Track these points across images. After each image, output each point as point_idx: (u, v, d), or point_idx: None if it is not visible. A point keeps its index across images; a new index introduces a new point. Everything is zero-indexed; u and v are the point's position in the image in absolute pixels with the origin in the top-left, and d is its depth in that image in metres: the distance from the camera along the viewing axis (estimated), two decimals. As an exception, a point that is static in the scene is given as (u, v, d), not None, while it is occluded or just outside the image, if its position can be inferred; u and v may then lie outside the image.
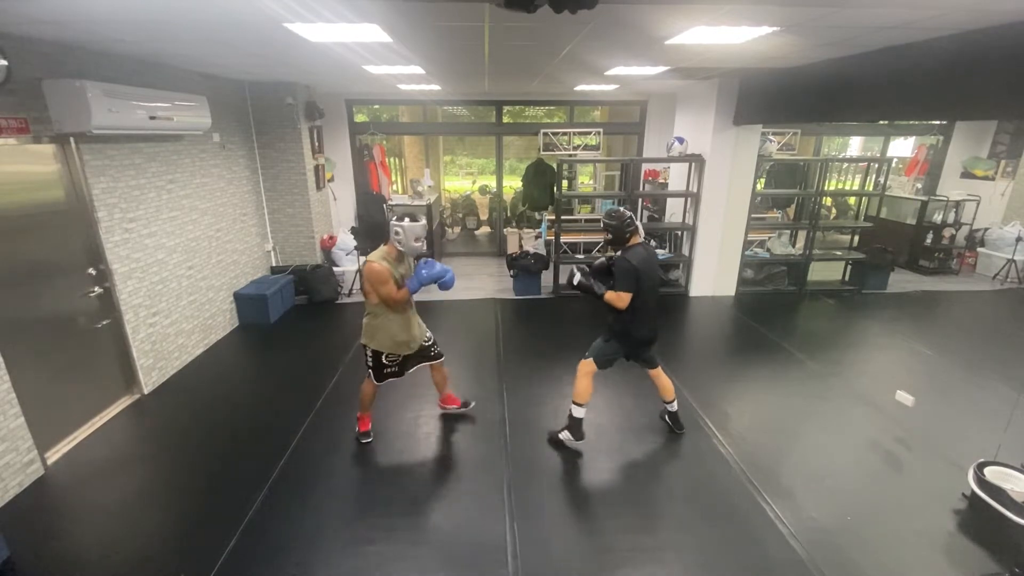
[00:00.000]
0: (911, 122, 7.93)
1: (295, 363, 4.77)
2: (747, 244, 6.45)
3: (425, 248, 3.13)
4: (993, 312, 6.19)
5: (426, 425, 3.70)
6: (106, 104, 3.30)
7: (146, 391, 4.14)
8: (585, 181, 10.64)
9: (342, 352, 4.89)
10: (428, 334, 3.45)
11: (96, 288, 3.71)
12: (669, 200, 7.30)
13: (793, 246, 7.13)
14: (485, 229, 10.38)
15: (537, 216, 8.72)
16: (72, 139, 3.42)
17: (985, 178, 7.76)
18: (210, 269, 5.06)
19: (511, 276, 6.58)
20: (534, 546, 2.63)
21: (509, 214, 9.37)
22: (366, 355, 3.28)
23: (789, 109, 4.86)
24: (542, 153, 7.66)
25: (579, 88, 6.65)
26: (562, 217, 6.71)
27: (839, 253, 6.94)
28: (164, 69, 4.33)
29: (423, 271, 3.04)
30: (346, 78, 5.56)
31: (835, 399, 4.07)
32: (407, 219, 3.01)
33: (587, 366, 3.32)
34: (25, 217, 3.21)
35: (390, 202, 7.85)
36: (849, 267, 6.86)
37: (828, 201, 9.36)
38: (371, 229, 7.16)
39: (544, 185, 7.79)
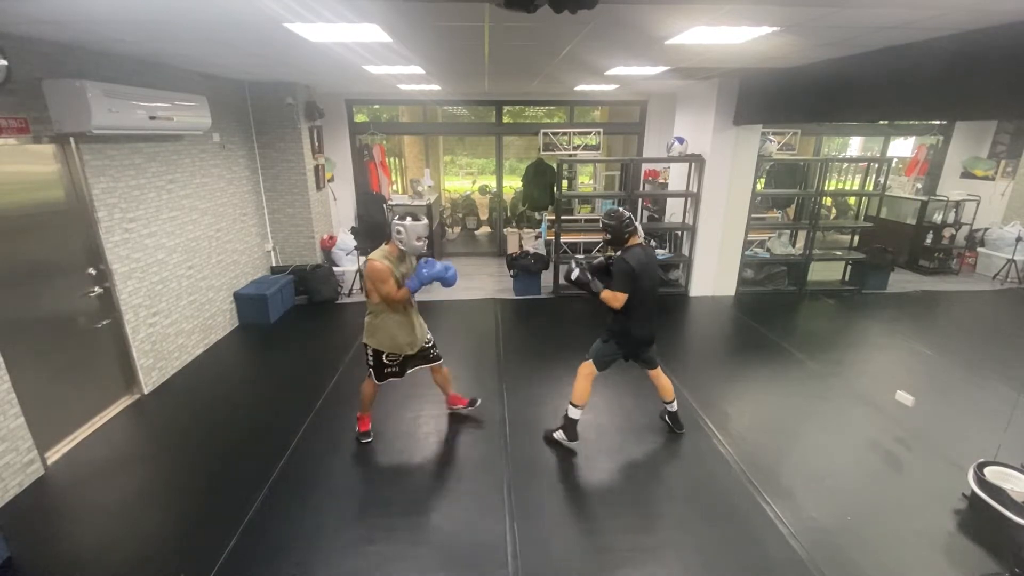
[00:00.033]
0: (911, 122, 7.93)
1: (295, 363, 4.78)
2: (747, 244, 6.45)
3: (426, 248, 3.13)
4: (993, 312, 6.19)
5: (426, 425, 3.70)
6: (106, 104, 3.30)
7: (146, 391, 4.14)
8: (585, 181, 10.64)
9: (342, 352, 4.89)
10: (428, 336, 3.45)
11: (96, 288, 3.71)
12: (669, 200, 7.30)
13: (793, 246, 7.13)
14: (485, 229, 10.38)
15: (537, 216, 8.71)
16: (72, 139, 3.42)
17: (985, 178, 7.76)
18: (210, 269, 5.06)
19: (511, 276, 6.58)
20: (534, 546, 2.63)
21: (509, 214, 9.37)
22: (367, 354, 3.28)
23: (789, 109, 4.86)
24: (542, 153, 7.66)
25: (579, 88, 6.65)
26: (562, 217, 6.71)
27: (839, 253, 6.94)
28: (164, 69, 4.33)
29: (423, 270, 3.04)
30: (346, 78, 5.56)
31: (835, 399, 4.07)
32: (409, 218, 3.01)
33: (587, 368, 3.32)
34: (25, 217, 3.21)
35: (390, 202, 7.85)
36: (849, 267, 6.86)
37: (828, 201, 9.36)
38: (371, 229, 7.16)
39: (544, 185, 7.79)
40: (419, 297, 3.28)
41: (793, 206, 8.31)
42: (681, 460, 3.36)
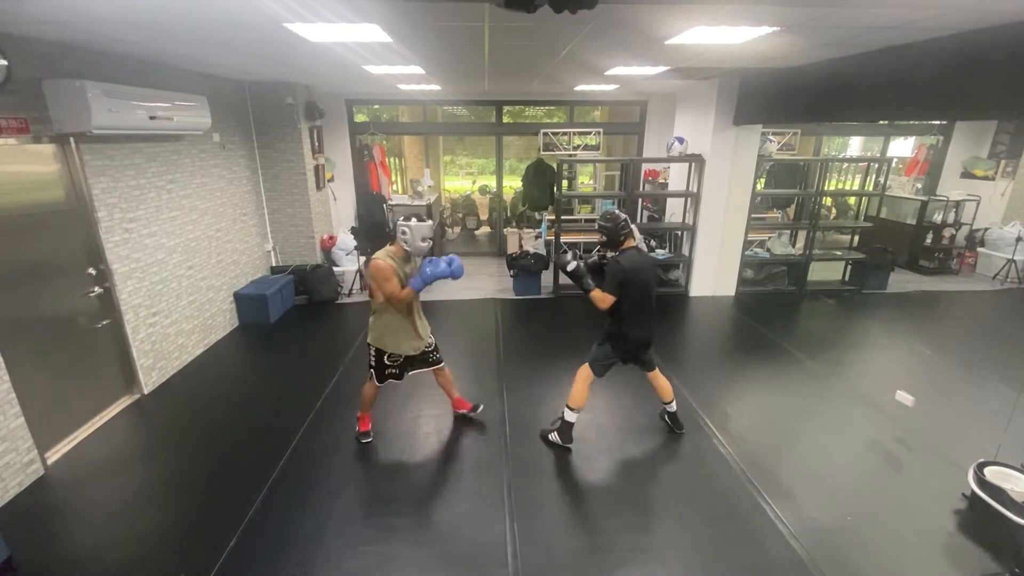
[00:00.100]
0: (911, 122, 7.93)
1: (295, 363, 4.78)
2: (747, 244, 6.45)
3: (430, 248, 3.12)
4: (993, 312, 6.19)
5: (426, 425, 3.70)
6: (106, 104, 3.30)
7: (146, 391, 4.14)
8: (585, 181, 10.63)
9: (342, 352, 4.89)
10: (431, 339, 3.44)
11: (96, 288, 3.71)
12: (669, 200, 7.30)
13: (793, 246, 7.12)
14: (485, 229, 10.38)
15: (537, 216, 8.71)
16: (72, 139, 3.42)
17: (985, 178, 7.76)
18: (210, 269, 5.07)
19: (511, 276, 6.58)
20: (534, 546, 2.63)
21: (509, 214, 9.37)
22: (369, 354, 3.28)
23: (789, 109, 4.86)
24: (542, 153, 7.65)
25: (579, 88, 6.65)
26: (562, 217, 6.71)
27: (839, 253, 6.94)
28: (164, 69, 4.33)
29: (427, 269, 3.01)
30: (346, 78, 5.56)
31: (835, 399, 4.07)
32: (414, 219, 3.02)
33: (584, 372, 3.33)
34: (25, 217, 3.21)
35: (390, 202, 7.85)
36: (849, 267, 6.86)
37: (828, 201, 9.36)
38: (371, 229, 7.15)
39: (544, 185, 7.78)
40: (420, 297, 3.27)
41: (793, 206, 8.31)
42: (681, 460, 3.36)
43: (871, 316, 5.94)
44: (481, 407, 3.79)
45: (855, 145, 11.10)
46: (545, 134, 7.55)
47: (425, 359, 3.41)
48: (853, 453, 3.41)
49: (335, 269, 6.58)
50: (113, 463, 3.33)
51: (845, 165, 9.74)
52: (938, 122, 7.78)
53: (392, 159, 9.46)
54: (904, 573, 2.50)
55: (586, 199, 8.99)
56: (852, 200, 8.86)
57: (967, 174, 7.96)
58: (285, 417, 3.79)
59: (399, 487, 3.10)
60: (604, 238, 3.22)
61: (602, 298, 3.13)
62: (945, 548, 2.65)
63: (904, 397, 3.75)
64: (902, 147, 9.67)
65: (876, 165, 7.82)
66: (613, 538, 2.70)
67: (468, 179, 13.91)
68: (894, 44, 3.42)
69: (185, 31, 3.03)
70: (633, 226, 3.22)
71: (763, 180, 7.10)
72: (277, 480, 3.12)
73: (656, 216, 7.66)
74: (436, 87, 6.34)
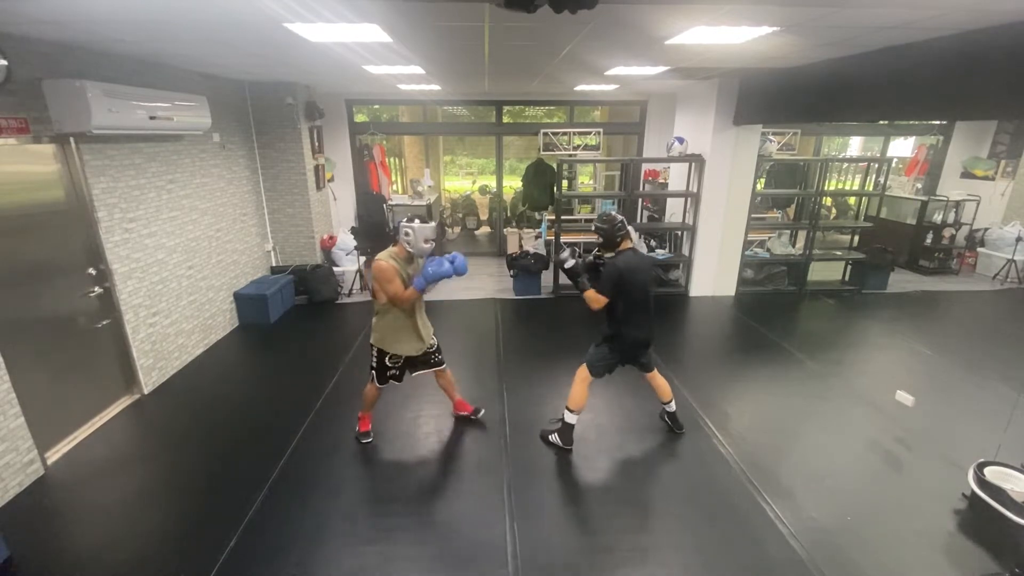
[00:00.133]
0: (911, 122, 7.93)
1: (295, 363, 4.78)
2: (747, 244, 6.45)
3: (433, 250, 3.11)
4: (993, 312, 6.19)
5: (426, 425, 3.70)
6: (106, 104, 3.30)
7: (146, 391, 4.14)
8: (585, 181, 10.63)
9: (342, 352, 4.89)
10: (433, 340, 3.43)
11: (96, 288, 3.71)
12: (669, 200, 7.30)
13: (793, 246, 7.13)
14: (485, 229, 10.37)
15: (537, 216, 8.71)
16: (72, 139, 3.42)
17: (985, 178, 7.76)
18: (210, 269, 5.07)
19: (511, 276, 6.58)
20: (534, 546, 2.63)
21: (509, 214, 9.37)
22: (371, 354, 3.28)
23: (789, 109, 4.86)
24: (542, 153, 7.65)
25: (579, 88, 6.65)
26: (562, 217, 6.71)
27: (839, 253, 6.94)
28: (164, 69, 4.33)
29: (428, 268, 2.99)
30: (346, 78, 5.56)
31: (835, 399, 4.07)
32: (417, 220, 3.01)
33: (582, 373, 3.33)
34: (25, 217, 3.21)
35: (390, 202, 7.85)
36: (849, 267, 6.86)
37: (828, 201, 9.36)
38: (371, 229, 7.16)
39: (544, 185, 7.78)
40: (424, 297, 3.26)
41: (793, 206, 8.31)
42: (681, 460, 3.36)
43: (871, 316, 5.94)
44: (483, 412, 3.77)
45: (855, 145, 11.10)
46: (545, 134, 7.55)
47: (427, 360, 3.40)
48: (853, 453, 3.41)
49: (335, 269, 6.58)
50: (113, 463, 3.33)
51: (845, 165, 9.74)
52: (938, 122, 7.78)
53: (392, 159, 9.46)
54: (904, 573, 2.50)
55: (586, 199, 8.99)
56: (852, 200, 8.86)
57: (967, 174, 7.96)
58: (285, 417, 3.79)
59: (399, 487, 3.10)
60: (601, 239, 3.22)
61: (595, 298, 3.13)
62: (945, 548, 2.65)
63: (904, 397, 3.75)
64: (902, 147, 9.67)
65: (876, 165, 7.82)
66: (613, 538, 2.70)
67: (468, 179, 13.91)
68: (894, 44, 3.42)
69: (185, 31, 3.03)
70: (630, 227, 3.22)
71: (763, 180, 7.10)
72: (277, 480, 3.12)
73: (656, 216, 7.66)
74: (436, 87, 6.34)
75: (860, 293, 6.66)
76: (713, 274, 6.49)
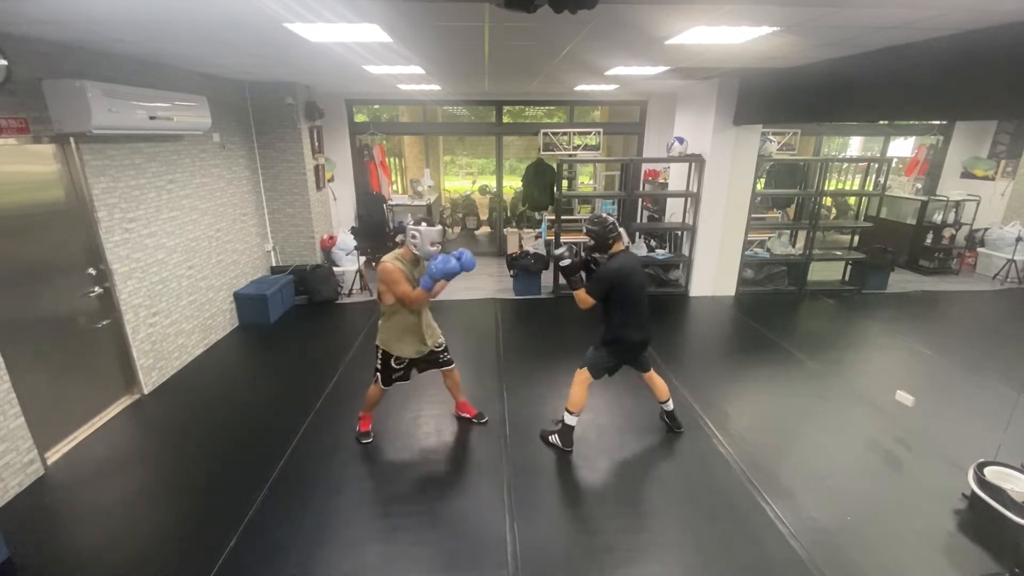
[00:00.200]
0: (911, 122, 7.93)
1: (295, 363, 4.78)
2: (747, 244, 6.45)
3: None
4: (993, 312, 6.19)
5: (426, 425, 3.70)
6: (106, 104, 3.30)
7: (146, 391, 4.14)
8: (585, 181, 10.64)
9: (342, 352, 4.89)
10: (441, 340, 3.43)
11: (96, 288, 3.71)
12: (669, 200, 7.30)
13: (793, 246, 7.12)
14: (485, 229, 10.37)
15: (537, 216, 8.72)
16: (72, 139, 3.42)
17: (985, 178, 7.76)
18: (210, 269, 5.06)
19: (511, 276, 6.58)
20: (534, 546, 2.63)
21: (509, 214, 9.37)
22: (377, 356, 3.28)
23: (789, 109, 4.86)
24: (542, 153, 7.66)
25: (579, 88, 6.65)
26: (562, 217, 6.71)
27: (839, 253, 6.94)
28: (164, 69, 4.33)
29: (433, 266, 2.95)
30: (346, 78, 5.56)
31: (835, 399, 4.07)
32: (424, 223, 3.00)
33: (581, 375, 3.32)
34: (25, 217, 3.21)
35: (390, 202, 7.85)
36: (849, 267, 6.86)
37: (828, 201, 9.36)
38: (371, 229, 7.16)
39: (544, 185, 7.79)
40: (435, 297, 3.25)
41: (793, 206, 8.31)
42: (681, 460, 3.36)
43: (871, 316, 5.94)
44: (486, 419, 3.72)
45: (855, 145, 11.10)
46: (545, 134, 7.55)
47: (436, 360, 3.40)
48: (853, 453, 3.41)
49: (335, 269, 6.57)
50: (113, 463, 3.33)
51: (845, 165, 9.74)
52: (938, 122, 7.78)
53: (392, 159, 9.46)
54: (904, 573, 2.50)
55: (586, 199, 8.99)
56: (852, 200, 8.85)
57: (967, 174, 7.96)
58: (285, 417, 3.79)
59: (399, 487, 3.10)
60: (592, 241, 3.22)
61: (584, 299, 3.14)
62: (945, 548, 2.65)
63: (904, 397, 3.75)
64: (902, 147, 9.67)
65: (876, 165, 7.82)
66: (613, 538, 2.69)
67: (468, 179, 13.91)
68: (894, 44, 3.42)
69: (185, 31, 3.03)
70: (621, 228, 3.21)
71: (763, 180, 7.10)
72: (277, 480, 3.12)
73: (656, 216, 7.66)
74: (436, 87, 6.34)
75: (860, 293, 6.66)
76: (713, 274, 6.48)
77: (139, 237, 4.06)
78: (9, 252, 3.10)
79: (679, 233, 6.84)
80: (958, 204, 7.58)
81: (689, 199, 6.48)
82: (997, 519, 2.68)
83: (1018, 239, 7.00)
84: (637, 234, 6.82)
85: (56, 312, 3.45)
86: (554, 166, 7.12)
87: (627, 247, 3.25)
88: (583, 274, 3.30)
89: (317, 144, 6.53)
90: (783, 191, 7.40)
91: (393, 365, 3.25)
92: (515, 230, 8.44)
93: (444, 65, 4.61)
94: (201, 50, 3.71)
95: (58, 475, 3.20)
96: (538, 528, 2.75)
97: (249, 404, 4.06)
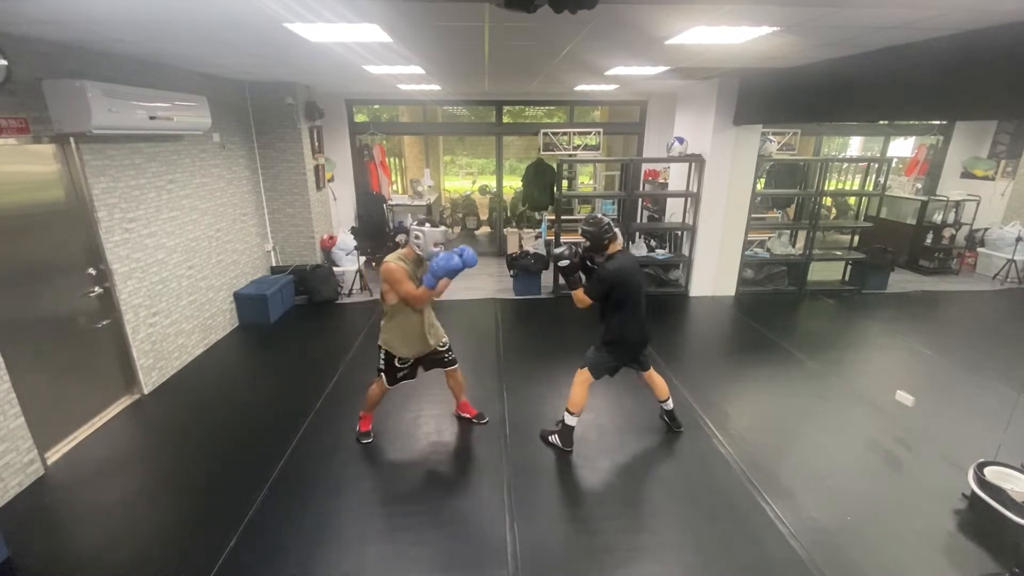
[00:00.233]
0: (911, 122, 7.93)
1: (295, 363, 4.77)
2: (747, 244, 6.45)
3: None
4: (993, 312, 6.19)
5: (426, 425, 3.70)
6: (106, 104, 3.30)
7: (146, 391, 4.14)
8: (585, 181, 10.64)
9: (342, 352, 4.89)
10: (444, 340, 3.42)
11: (96, 288, 3.71)
12: (669, 200, 7.30)
13: (793, 246, 7.12)
14: (485, 229, 10.37)
15: (537, 216, 8.72)
16: (72, 139, 3.42)
17: (985, 178, 7.76)
18: (210, 269, 5.06)
19: (511, 276, 6.58)
20: (534, 546, 2.63)
21: (509, 214, 9.37)
22: (379, 356, 3.28)
23: (789, 109, 4.86)
24: (542, 153, 7.66)
25: (579, 88, 6.65)
26: (562, 217, 6.71)
27: (839, 253, 6.94)
28: (164, 69, 4.33)
29: (436, 263, 2.94)
30: (346, 78, 5.56)
31: (835, 399, 4.07)
32: (427, 224, 3.01)
33: (581, 375, 3.32)
34: (25, 217, 3.21)
35: (390, 202, 7.85)
36: (849, 267, 6.86)
37: (828, 201, 9.35)
38: (371, 229, 7.16)
39: (544, 185, 7.79)
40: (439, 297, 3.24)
41: (793, 206, 8.31)
42: (681, 460, 3.36)
43: (871, 316, 5.94)
44: (487, 419, 3.73)
45: (855, 145, 11.10)
46: (545, 134, 7.55)
47: (440, 359, 3.40)
48: (853, 453, 3.41)
49: (335, 269, 6.57)
50: (113, 463, 3.33)
51: (845, 165, 9.74)
52: (938, 122, 7.78)
53: (392, 159, 9.46)
54: (904, 573, 2.50)
55: (586, 199, 8.99)
56: (852, 200, 8.85)
57: (967, 174, 7.96)
58: (285, 417, 3.79)
59: (399, 487, 3.10)
60: (588, 242, 3.22)
61: (582, 299, 3.16)
62: (945, 548, 2.65)
63: (904, 397, 3.75)
64: (902, 147, 9.67)
65: (876, 165, 7.82)
66: (613, 538, 2.69)
67: (468, 179, 13.91)
68: (894, 44, 3.42)
69: (185, 31, 3.03)
70: (616, 229, 3.20)
71: (763, 180, 7.10)
72: (277, 480, 3.12)
73: (656, 216, 7.66)
74: (436, 87, 6.34)
75: (860, 293, 6.66)
76: (713, 274, 6.48)
77: (139, 237, 4.06)
78: (9, 252, 3.10)
79: (679, 233, 6.84)
80: (958, 204, 7.58)
81: (689, 199, 6.48)
82: (997, 519, 2.68)
83: (1018, 239, 7.00)
84: (637, 234, 6.82)
85: (56, 312, 3.45)
86: (554, 166, 7.12)
87: (624, 247, 3.25)
88: (581, 274, 3.31)
89: (317, 144, 6.53)
90: (783, 191, 7.41)
91: (397, 365, 3.26)
92: (515, 230, 8.44)
93: (444, 65, 4.61)
94: (201, 50, 3.71)
95: (58, 475, 3.20)
96: (538, 528, 2.75)
97: (249, 404, 4.06)
